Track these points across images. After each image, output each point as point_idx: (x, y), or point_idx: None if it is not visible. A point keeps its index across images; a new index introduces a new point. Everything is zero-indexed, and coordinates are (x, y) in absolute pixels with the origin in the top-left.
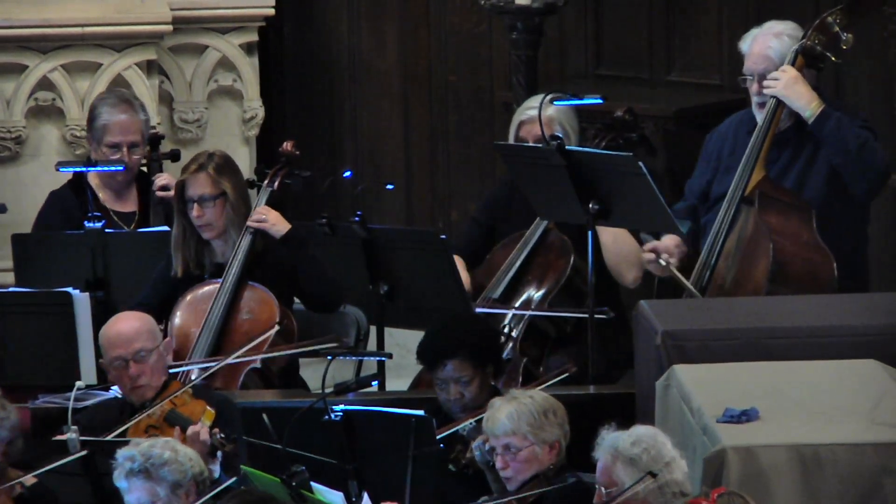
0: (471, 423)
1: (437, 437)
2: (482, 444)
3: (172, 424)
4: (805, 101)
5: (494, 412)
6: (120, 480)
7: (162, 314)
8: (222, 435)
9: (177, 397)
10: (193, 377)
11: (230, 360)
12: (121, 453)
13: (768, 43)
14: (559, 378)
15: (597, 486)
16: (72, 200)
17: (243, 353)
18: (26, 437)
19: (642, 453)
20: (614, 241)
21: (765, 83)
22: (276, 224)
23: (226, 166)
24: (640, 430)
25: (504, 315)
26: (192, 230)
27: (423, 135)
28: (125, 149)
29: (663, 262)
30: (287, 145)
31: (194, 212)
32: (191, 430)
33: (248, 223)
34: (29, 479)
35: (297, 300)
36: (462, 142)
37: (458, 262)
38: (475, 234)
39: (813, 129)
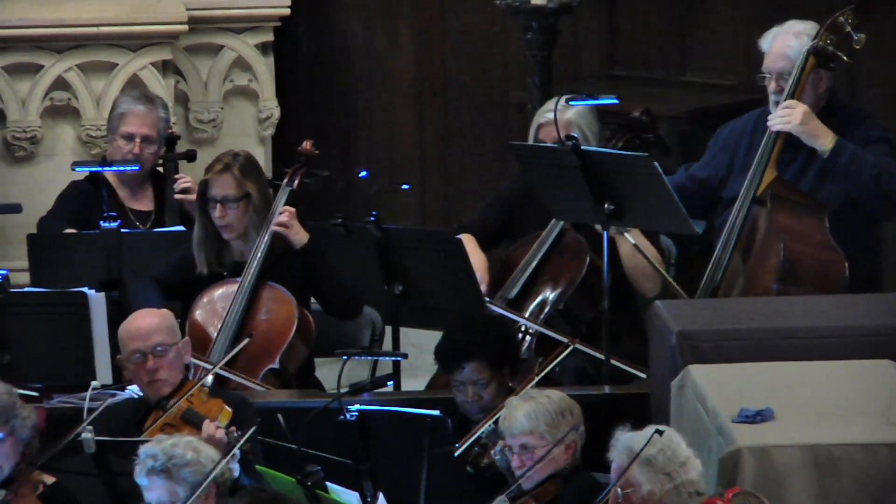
0: (490, 426)
1: (462, 446)
2: (503, 448)
3: (189, 423)
4: (820, 137)
5: (511, 411)
6: (141, 477)
7: (170, 296)
8: (238, 434)
9: (193, 396)
10: (210, 378)
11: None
12: (143, 450)
13: (787, 42)
14: (562, 356)
15: (613, 486)
16: (91, 194)
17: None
18: (41, 437)
19: (658, 453)
20: (633, 253)
21: (775, 119)
22: (298, 233)
23: (251, 168)
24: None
25: (520, 314)
26: (213, 229)
27: (437, 135)
28: (138, 141)
29: (626, 234)
30: (306, 145)
31: (217, 212)
32: (205, 428)
33: (273, 227)
34: (48, 478)
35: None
36: (476, 142)
37: (471, 240)
38: (490, 218)
39: (828, 163)
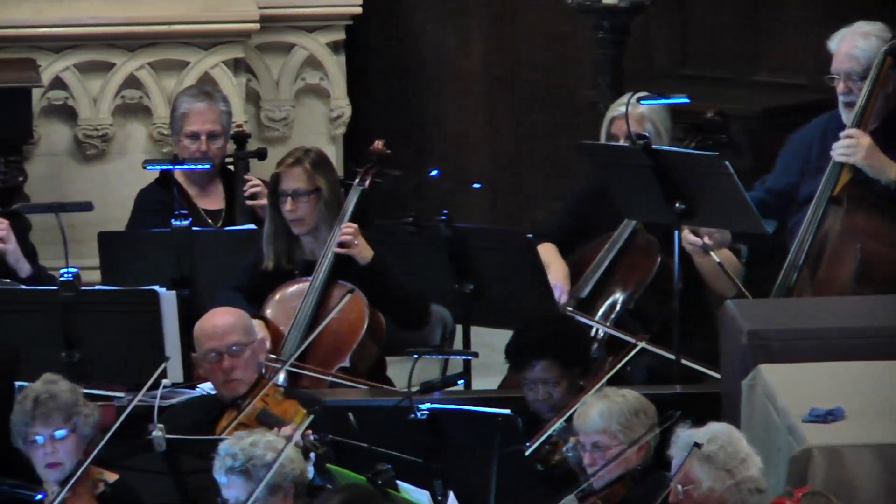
0: (562, 424)
1: (533, 445)
2: (575, 445)
3: (264, 424)
4: (885, 170)
5: (586, 409)
6: (220, 475)
7: (252, 301)
8: (315, 437)
9: (269, 396)
10: (281, 377)
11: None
12: (223, 447)
13: (855, 43)
14: (631, 355)
15: (672, 484)
16: (161, 196)
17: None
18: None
19: (718, 450)
20: (711, 263)
21: (839, 150)
22: (363, 251)
23: (322, 163)
24: (714, 428)
25: (592, 312)
26: (284, 225)
27: (508, 134)
28: (203, 138)
29: (711, 252)
30: (378, 144)
31: (287, 205)
32: (283, 433)
33: (336, 250)
34: (111, 476)
35: None
36: (547, 141)
37: (552, 248)
38: (566, 224)
39: (894, 195)
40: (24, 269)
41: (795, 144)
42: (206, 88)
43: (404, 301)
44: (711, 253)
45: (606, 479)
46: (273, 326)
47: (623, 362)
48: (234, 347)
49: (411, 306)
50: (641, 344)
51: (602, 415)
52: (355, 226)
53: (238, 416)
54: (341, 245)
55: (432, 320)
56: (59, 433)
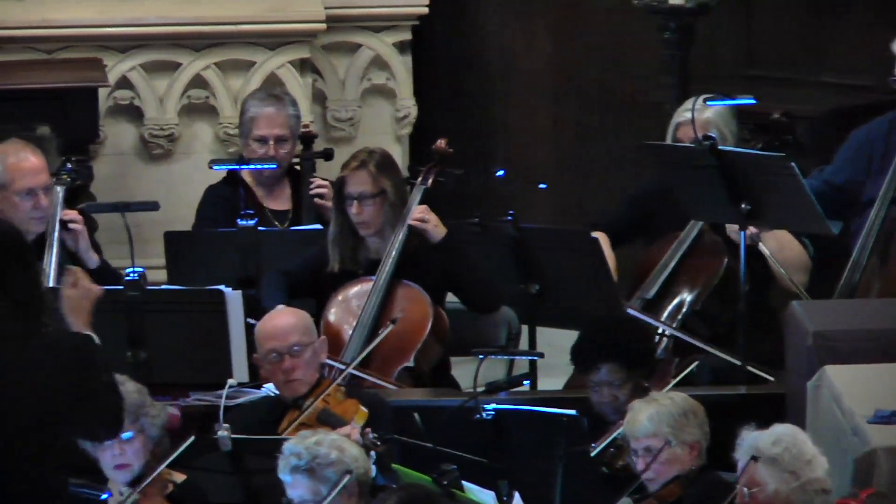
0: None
1: (598, 447)
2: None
3: (325, 424)
4: None
5: (635, 414)
6: (284, 474)
7: (299, 291)
8: (374, 435)
9: (330, 396)
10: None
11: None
12: (287, 447)
13: None
14: (687, 371)
15: (738, 487)
16: (228, 194)
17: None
18: (177, 434)
19: (783, 452)
20: (779, 249)
21: None
22: (437, 227)
23: (386, 164)
24: (779, 430)
25: (658, 313)
26: (349, 226)
27: (573, 134)
28: (272, 142)
29: (760, 245)
30: (440, 143)
31: (354, 209)
32: (342, 431)
33: (410, 222)
34: (179, 477)
35: (451, 297)
36: (612, 141)
37: (603, 238)
38: (624, 215)
39: None
40: (92, 260)
41: (857, 142)
42: (275, 92)
43: (478, 281)
44: (760, 245)
45: (661, 480)
46: (336, 326)
47: (677, 379)
48: (296, 348)
49: (485, 286)
50: (695, 364)
51: (651, 419)
52: (426, 208)
53: (299, 417)
54: (416, 221)
55: (498, 320)
56: (127, 435)
